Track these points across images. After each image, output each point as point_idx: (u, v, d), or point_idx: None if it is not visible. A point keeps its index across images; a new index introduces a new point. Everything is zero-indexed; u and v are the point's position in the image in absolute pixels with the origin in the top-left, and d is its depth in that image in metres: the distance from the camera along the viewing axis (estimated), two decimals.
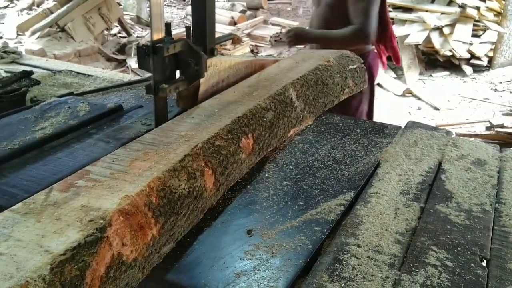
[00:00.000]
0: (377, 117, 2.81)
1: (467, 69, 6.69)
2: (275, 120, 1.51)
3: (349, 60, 2.02)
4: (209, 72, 1.62)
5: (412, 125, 1.80)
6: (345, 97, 1.96)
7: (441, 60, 6.77)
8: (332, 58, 1.94)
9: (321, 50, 2.10)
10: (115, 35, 7.64)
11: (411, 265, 1.06)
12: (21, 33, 6.48)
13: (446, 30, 6.62)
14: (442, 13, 6.88)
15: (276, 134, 1.53)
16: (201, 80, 1.59)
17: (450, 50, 6.54)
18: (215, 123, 1.36)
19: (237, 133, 1.35)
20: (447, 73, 6.74)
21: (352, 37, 2.43)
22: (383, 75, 6.44)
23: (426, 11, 6.94)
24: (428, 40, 6.59)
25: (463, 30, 6.62)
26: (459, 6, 6.79)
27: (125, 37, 7.60)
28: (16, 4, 8.29)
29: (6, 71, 2.34)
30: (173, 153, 1.17)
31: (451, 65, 6.78)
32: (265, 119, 1.47)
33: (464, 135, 4.27)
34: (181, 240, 1.13)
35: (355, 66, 2.03)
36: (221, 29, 7.06)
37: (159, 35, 1.43)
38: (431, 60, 6.94)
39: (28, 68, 2.25)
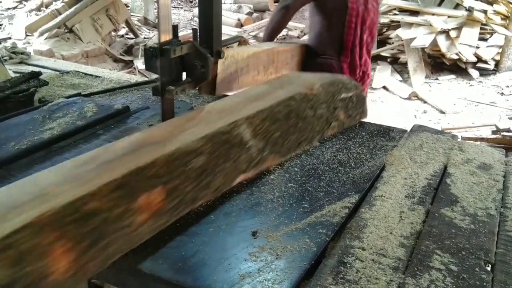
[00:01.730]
0: (383, 120, 2.82)
1: (474, 72, 6.66)
2: (209, 166, 1.21)
3: (342, 87, 1.70)
4: (227, 63, 1.63)
5: (418, 129, 1.80)
6: (332, 132, 1.70)
7: (448, 63, 6.75)
8: (318, 84, 1.62)
9: (310, 73, 1.83)
10: (122, 36, 7.68)
11: (416, 268, 1.06)
12: (30, 34, 6.53)
13: (452, 34, 6.60)
14: (449, 17, 6.86)
15: (209, 184, 1.22)
16: (218, 69, 1.61)
17: (457, 54, 6.52)
18: (104, 174, 1.00)
19: (134, 188, 1.02)
20: (453, 76, 6.72)
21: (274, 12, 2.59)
22: (389, 78, 6.44)
23: (433, 14, 6.93)
24: (434, 43, 6.57)
25: (470, 34, 6.60)
26: (466, 10, 6.78)
27: (132, 38, 7.64)
28: (25, 5, 8.36)
29: (14, 72, 2.36)
30: (8, 222, 0.82)
31: (458, 68, 6.76)
32: (190, 166, 1.16)
33: (470, 139, 4.25)
34: (186, 241, 1.14)
35: (350, 94, 1.73)
36: (227, 31, 7.08)
37: (166, 37, 1.44)
38: (438, 64, 6.92)
39: (36, 69, 2.27)
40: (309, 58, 2.67)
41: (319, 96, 1.61)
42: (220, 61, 1.71)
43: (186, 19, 9.66)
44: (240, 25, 7.98)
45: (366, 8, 2.49)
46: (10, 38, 6.55)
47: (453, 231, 1.21)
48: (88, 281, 1.25)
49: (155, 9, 9.01)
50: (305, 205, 1.30)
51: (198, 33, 1.60)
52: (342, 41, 2.52)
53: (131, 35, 7.75)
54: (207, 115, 1.39)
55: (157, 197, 1.07)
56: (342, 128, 1.74)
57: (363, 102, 1.82)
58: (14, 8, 8.56)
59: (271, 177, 1.45)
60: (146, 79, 2.42)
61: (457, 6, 7.06)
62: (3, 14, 8.14)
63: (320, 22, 2.56)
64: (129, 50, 7.20)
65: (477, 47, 6.61)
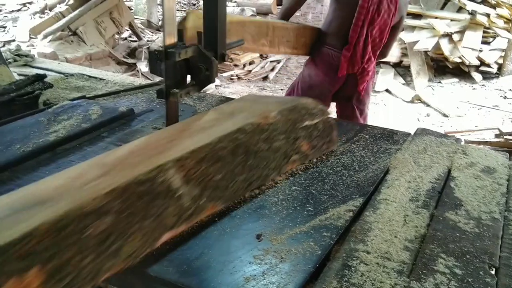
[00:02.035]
0: (386, 123, 2.83)
1: (477, 76, 6.66)
2: (118, 228, 0.96)
3: (305, 114, 1.50)
4: (198, 23, 1.59)
5: (422, 132, 1.80)
6: (292, 167, 1.49)
7: (451, 67, 6.75)
8: (275, 112, 1.41)
9: (271, 97, 1.68)
10: (125, 39, 7.70)
11: (420, 272, 1.06)
12: (34, 36, 6.55)
13: (455, 37, 6.61)
14: (451, 20, 6.87)
15: (118, 251, 0.96)
16: (188, 24, 1.59)
17: (460, 57, 6.52)
18: None
19: None
20: (456, 80, 6.72)
21: None
22: (392, 81, 6.44)
23: (436, 17, 6.94)
24: (437, 46, 6.58)
25: (473, 37, 6.60)
26: (469, 13, 6.79)
27: (135, 41, 7.66)
28: (28, 7, 8.39)
29: (19, 74, 2.37)
30: None
31: (461, 72, 6.76)
32: (88, 233, 0.89)
33: (473, 142, 4.25)
34: (191, 243, 1.14)
35: (314, 121, 1.52)
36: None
37: (171, 40, 1.45)
38: (440, 67, 6.92)
39: (40, 71, 2.28)
40: (316, 44, 2.74)
41: (277, 126, 1.40)
42: (191, 17, 1.72)
43: None
44: None
45: (378, 8, 2.52)
46: (14, 40, 6.58)
47: (458, 234, 1.21)
48: None
49: (158, 12, 9.05)
50: (309, 208, 1.31)
51: (203, 36, 1.61)
52: (348, 35, 2.56)
53: (135, 38, 7.77)
54: (128, 158, 1.14)
55: (33, 281, 0.80)
56: (305, 161, 1.52)
57: (331, 130, 1.59)
58: (18, 10, 8.59)
59: (275, 179, 1.45)
60: (150, 81, 2.43)
61: (460, 10, 7.06)
62: (7, 16, 8.18)
63: (333, 12, 2.68)
64: (132, 52, 7.22)
65: (480, 51, 6.61)
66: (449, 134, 1.85)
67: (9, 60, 2.57)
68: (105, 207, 0.94)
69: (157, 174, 1.07)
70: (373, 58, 2.69)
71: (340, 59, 2.63)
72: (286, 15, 2.77)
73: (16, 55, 2.72)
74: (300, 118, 1.48)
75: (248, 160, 1.30)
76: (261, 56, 7.48)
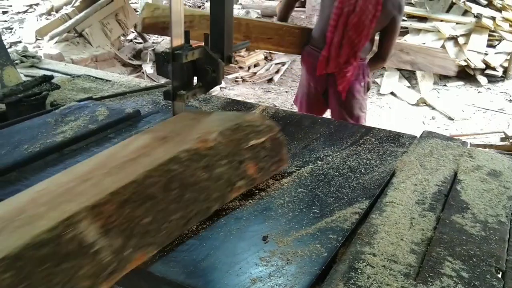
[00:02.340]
0: (391, 126, 2.83)
1: (482, 79, 6.64)
2: None
3: (251, 132, 1.34)
4: (158, 13, 1.58)
5: (428, 135, 1.80)
6: (238, 194, 1.31)
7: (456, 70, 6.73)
8: (216, 133, 1.25)
9: (211, 115, 1.44)
10: (131, 41, 7.72)
11: (427, 275, 1.06)
12: (40, 38, 6.58)
13: (461, 40, 6.59)
14: (457, 23, 6.85)
15: None
16: (145, 14, 1.61)
17: (465, 60, 6.50)
18: None
19: None
20: (461, 83, 6.70)
21: None
22: (397, 84, 6.43)
23: (441, 20, 6.92)
24: (442, 50, 6.56)
25: (478, 40, 6.58)
26: (475, 16, 6.77)
27: (140, 43, 7.68)
28: (35, 9, 8.43)
29: (26, 75, 2.39)
30: None
31: (466, 75, 6.74)
32: None
33: (478, 145, 4.24)
34: (197, 245, 1.15)
35: (261, 139, 1.35)
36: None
37: (178, 42, 1.46)
38: None
39: (47, 73, 2.29)
40: (304, 45, 2.87)
41: (218, 150, 1.23)
42: (146, 8, 1.78)
43: None
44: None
45: (353, 9, 2.56)
46: (20, 42, 6.61)
47: (464, 238, 1.21)
48: None
49: None
50: (315, 210, 1.31)
51: (210, 38, 1.61)
52: (326, 35, 2.66)
53: (140, 40, 7.80)
54: (24, 206, 0.93)
55: None
56: (252, 186, 1.36)
57: (280, 147, 1.42)
58: (25, 12, 8.64)
59: (281, 182, 1.45)
60: (156, 83, 2.44)
61: (465, 13, 7.05)
62: (13, 18, 8.22)
63: (319, 13, 2.80)
64: (137, 54, 7.24)
65: (486, 54, 6.59)
66: (455, 137, 1.84)
67: (16, 61, 2.59)
68: None
69: (63, 230, 0.86)
70: (352, 59, 2.70)
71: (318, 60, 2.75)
72: (281, 17, 3.01)
73: (23, 56, 2.74)
74: (245, 137, 1.31)
75: (184, 194, 1.12)
76: (266, 58, 7.48)
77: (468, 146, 1.76)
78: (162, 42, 7.55)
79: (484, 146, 4.34)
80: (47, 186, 1.02)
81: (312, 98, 2.93)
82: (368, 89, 2.92)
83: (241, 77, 6.73)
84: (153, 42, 7.74)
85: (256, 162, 1.34)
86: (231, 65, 1.66)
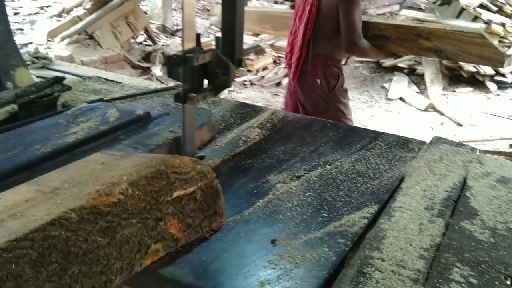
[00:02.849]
0: (399, 131, 2.82)
1: (491, 85, 6.61)
2: None
3: (176, 179, 1.10)
4: None
5: (437, 141, 1.79)
6: (154, 260, 1.06)
7: (465, 75, 6.70)
8: (126, 183, 1.00)
9: (130, 158, 1.17)
10: (140, 43, 7.77)
11: (435, 281, 1.06)
12: (51, 39, 6.64)
13: None
14: None
15: None
16: None
17: (474, 66, 6.47)
18: None
19: None
20: (471, 89, 6.67)
21: None
22: (405, 89, 6.41)
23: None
24: None
25: None
26: (484, 22, 6.73)
27: (150, 45, 7.73)
28: (46, 11, 8.51)
29: (37, 76, 2.41)
30: None
31: (475, 81, 6.71)
32: None
33: (487, 152, 4.21)
34: (206, 247, 1.15)
35: (190, 189, 1.12)
36: (244, 39, 7.11)
37: (190, 45, 1.47)
38: (455, 76, 6.88)
39: (58, 74, 2.32)
40: None
41: (126, 205, 0.98)
42: None
43: (204, 28, 9.74)
44: (256, 34, 8.02)
45: (306, 1, 2.79)
46: (31, 43, 6.67)
47: (473, 244, 1.20)
48: None
49: (173, 17, 9.12)
50: (324, 214, 1.31)
51: (221, 41, 1.62)
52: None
53: (149, 42, 7.84)
54: None
55: None
56: (176, 247, 1.11)
57: (215, 198, 1.19)
58: (36, 13, 8.72)
59: (289, 185, 1.45)
60: (166, 86, 2.45)
61: (475, 19, 7.02)
62: (25, 19, 8.30)
63: None
64: (147, 57, 7.29)
65: None
66: (464, 143, 1.83)
67: (27, 62, 2.61)
68: None
69: None
70: (297, 49, 2.86)
71: None
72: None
73: (34, 57, 2.77)
74: (167, 187, 1.07)
75: (67, 268, 0.85)
76: (274, 62, 7.49)
77: (478, 153, 1.75)
78: (171, 45, 7.59)
79: (493, 152, 4.32)
80: None
81: (286, 93, 3.20)
82: (332, 89, 2.92)
83: (250, 80, 6.75)
84: (162, 45, 7.78)
85: (181, 218, 1.10)
86: (240, 68, 1.67)
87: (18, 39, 6.76)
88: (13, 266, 0.78)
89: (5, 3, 2.24)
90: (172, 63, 1.47)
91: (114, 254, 0.94)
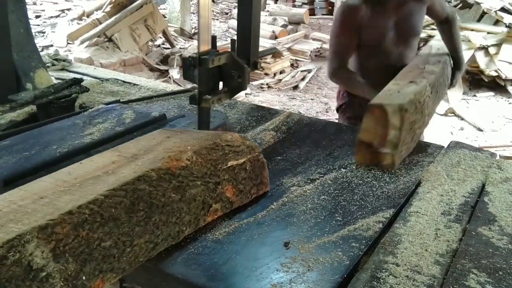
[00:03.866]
0: None
1: None
2: None
3: (230, 151, 1.27)
4: None
5: (455, 145, 1.77)
6: (213, 218, 1.24)
7: (486, 80, 6.60)
8: (191, 152, 1.18)
9: (188, 133, 1.36)
10: (159, 46, 7.83)
11: (451, 287, 1.04)
12: (71, 42, 6.74)
13: (492, 50, 6.46)
14: (488, 33, 6.73)
15: None
16: None
17: (496, 71, 6.38)
18: None
19: None
20: (491, 93, 6.57)
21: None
22: None
23: (472, 30, 6.81)
24: (473, 59, 6.45)
25: (510, 51, 6.44)
26: (506, 26, 6.64)
27: (168, 48, 7.79)
28: (67, 14, 8.65)
29: (56, 78, 2.45)
30: None
31: (496, 85, 6.61)
32: None
33: (507, 157, 4.14)
34: (219, 248, 1.15)
35: (241, 160, 1.29)
36: (262, 42, 7.09)
37: (205, 47, 1.47)
38: (476, 80, 6.78)
39: (77, 76, 2.35)
40: None
41: (192, 169, 1.15)
42: None
43: (222, 30, 9.79)
44: (274, 37, 8.02)
45: None
46: (52, 45, 6.78)
47: (490, 250, 1.18)
48: (120, 285, 1.27)
49: (191, 20, 9.18)
50: (338, 218, 1.30)
51: (236, 44, 1.63)
52: None
53: (168, 45, 7.91)
54: None
55: None
56: (230, 209, 1.28)
57: (261, 170, 1.35)
58: (57, 16, 8.87)
59: (304, 189, 1.44)
60: (182, 88, 2.46)
61: (497, 22, 6.92)
62: (46, 22, 8.44)
63: None
64: (165, 59, 7.35)
65: None
66: (483, 149, 1.80)
67: (47, 64, 2.66)
68: None
69: (7, 252, 0.80)
70: None
71: None
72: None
73: (54, 59, 2.81)
74: (223, 158, 1.24)
75: (151, 216, 1.04)
76: (292, 65, 7.49)
77: (497, 158, 1.72)
78: (189, 48, 7.64)
79: None
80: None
81: None
82: (338, 107, 2.51)
83: (267, 84, 6.75)
84: (180, 48, 7.83)
85: (235, 184, 1.27)
86: (256, 71, 1.67)
87: (39, 41, 6.89)
88: (113, 210, 0.97)
89: (27, 6, 2.28)
90: (188, 65, 1.48)
91: (184, 209, 1.13)
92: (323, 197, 1.40)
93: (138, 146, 1.22)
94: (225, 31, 9.78)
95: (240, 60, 1.55)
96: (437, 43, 2.39)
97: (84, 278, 0.90)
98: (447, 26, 2.34)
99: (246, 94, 6.26)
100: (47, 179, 1.05)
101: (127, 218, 0.99)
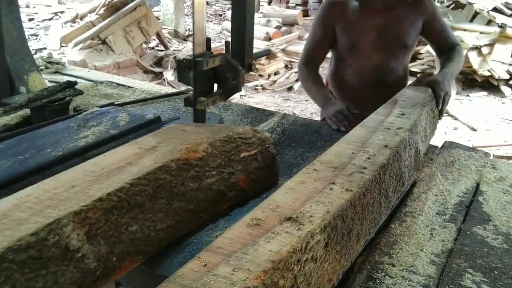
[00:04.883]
0: None
1: (506, 90, 6.54)
2: None
3: (242, 143, 1.34)
4: None
5: (450, 145, 1.78)
6: (228, 205, 1.29)
7: (479, 80, 6.65)
8: (206, 144, 1.25)
9: (201, 127, 1.43)
10: (153, 48, 7.83)
11: (447, 287, 1.04)
12: (64, 45, 6.72)
13: (484, 50, 6.51)
14: (481, 33, 6.78)
15: None
16: None
17: (489, 70, 6.42)
18: None
19: None
20: (485, 93, 6.61)
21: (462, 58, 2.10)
22: None
23: (465, 30, 6.85)
24: (466, 59, 6.49)
25: (503, 50, 6.49)
26: (499, 26, 6.69)
27: (162, 50, 7.78)
28: (60, 16, 8.62)
29: (50, 81, 2.44)
30: None
31: (490, 85, 6.65)
32: None
33: (501, 157, 4.16)
34: None
35: (252, 152, 1.35)
36: (256, 44, 7.11)
37: (200, 49, 1.47)
38: (469, 80, 6.82)
39: (71, 79, 2.34)
40: None
41: (208, 160, 1.22)
42: None
43: (215, 32, 9.80)
44: (268, 38, 8.04)
45: None
46: (45, 48, 6.76)
47: (485, 250, 1.18)
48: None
49: (185, 22, 9.18)
50: None
51: (231, 46, 1.63)
52: None
53: (162, 47, 7.90)
54: (7, 210, 0.93)
55: None
56: (243, 197, 1.33)
57: (271, 160, 1.41)
58: (50, 19, 8.83)
59: None
60: (177, 90, 2.46)
61: (489, 23, 6.97)
62: (39, 25, 8.41)
63: None
64: (159, 62, 7.34)
65: (510, 64, 6.49)
66: (477, 148, 1.81)
67: (41, 67, 2.65)
68: None
69: (47, 234, 0.87)
70: None
71: None
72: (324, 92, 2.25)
73: (47, 62, 2.80)
74: (236, 149, 1.31)
75: (172, 203, 1.12)
76: (286, 66, 7.50)
77: (491, 157, 1.73)
78: (183, 50, 7.63)
79: (508, 157, 4.27)
80: (31, 192, 1.01)
81: None
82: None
83: (261, 85, 6.76)
84: (174, 50, 7.83)
85: (247, 174, 1.33)
86: (251, 73, 1.67)
87: (33, 44, 6.86)
88: (138, 197, 1.04)
89: (20, 9, 2.27)
90: (182, 67, 1.48)
91: (201, 197, 1.19)
92: None
93: (156, 139, 1.30)
94: (219, 33, 9.79)
95: (235, 62, 1.55)
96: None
97: (114, 259, 0.98)
98: (448, 53, 2.07)
99: (240, 95, 6.27)
100: (76, 170, 1.12)
101: (150, 205, 1.07)
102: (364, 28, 2.03)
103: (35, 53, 6.16)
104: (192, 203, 1.17)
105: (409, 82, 2.10)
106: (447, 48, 2.09)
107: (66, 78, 2.49)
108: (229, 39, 1.66)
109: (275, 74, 7.16)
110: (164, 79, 6.73)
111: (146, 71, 6.92)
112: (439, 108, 1.79)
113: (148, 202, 1.06)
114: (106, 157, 1.19)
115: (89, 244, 0.93)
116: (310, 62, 2.20)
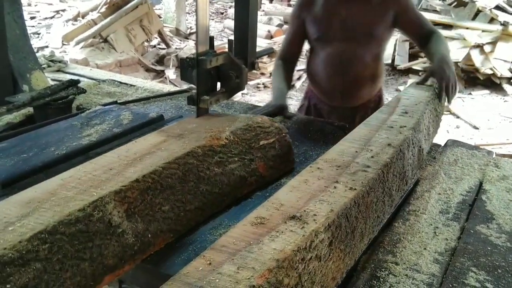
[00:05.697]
0: None
1: (508, 88, 6.52)
2: (45, 277, 0.85)
3: (261, 132, 1.42)
4: None
5: (453, 144, 1.77)
6: (248, 190, 1.37)
7: (481, 78, 6.63)
8: (228, 132, 1.34)
9: (222, 116, 1.53)
10: (154, 46, 7.82)
11: (450, 285, 1.04)
12: (66, 43, 6.72)
13: (487, 48, 6.50)
14: (483, 31, 6.76)
15: None
16: None
17: (491, 69, 6.41)
18: None
19: None
20: (487, 91, 6.59)
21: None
22: None
23: (467, 28, 6.84)
24: (468, 57, 6.48)
25: (505, 49, 6.48)
26: (501, 24, 6.67)
27: (164, 48, 7.78)
28: (62, 15, 8.62)
29: (53, 79, 2.44)
30: None
31: (492, 83, 6.63)
32: (6, 286, 0.80)
33: (504, 155, 4.16)
34: None
35: (271, 140, 1.43)
36: (258, 42, 7.12)
37: (203, 48, 1.47)
38: (471, 78, 6.80)
39: (73, 77, 2.34)
40: None
41: (230, 147, 1.31)
42: None
43: (217, 30, 9.78)
44: (270, 36, 8.03)
45: None
46: (47, 47, 6.76)
47: (489, 248, 1.18)
48: (119, 286, 1.27)
49: (187, 20, 9.17)
50: None
51: (234, 44, 1.63)
52: None
53: (163, 46, 7.89)
54: (55, 190, 1.01)
55: None
56: (262, 184, 1.40)
57: (288, 148, 1.48)
58: (52, 17, 8.84)
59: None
60: (179, 89, 2.46)
61: (491, 21, 6.95)
62: (41, 23, 8.42)
63: None
64: (160, 60, 7.33)
65: None
66: (480, 147, 1.81)
67: (43, 66, 2.65)
68: (28, 255, 0.84)
69: (93, 210, 0.96)
70: None
71: None
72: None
73: (50, 60, 2.80)
74: (255, 137, 1.40)
75: (199, 186, 1.20)
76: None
77: (494, 156, 1.73)
78: (185, 48, 7.63)
79: (511, 156, 4.26)
80: (74, 173, 1.11)
81: None
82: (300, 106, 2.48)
83: (263, 83, 6.75)
84: (176, 48, 7.82)
85: (266, 161, 1.41)
86: (253, 71, 1.67)
87: (35, 42, 6.87)
88: (169, 180, 1.13)
89: (22, 7, 2.27)
90: (186, 66, 1.48)
91: (225, 181, 1.28)
92: None
93: (181, 128, 1.38)
94: (220, 31, 9.78)
95: (238, 61, 1.55)
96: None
97: (149, 236, 1.06)
98: (431, 41, 2.04)
99: (242, 94, 6.26)
100: (110, 155, 1.22)
101: (180, 187, 1.16)
102: (329, 19, 2.09)
103: (37, 52, 6.16)
104: (217, 186, 1.25)
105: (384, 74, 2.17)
106: (425, 37, 2.10)
107: (68, 77, 2.49)
108: (232, 38, 1.66)
109: None
110: (166, 78, 6.73)
111: (148, 70, 6.91)
112: (447, 95, 1.81)
113: (178, 184, 1.15)
114: (137, 144, 1.28)
115: (128, 221, 1.02)
116: (285, 57, 2.28)
